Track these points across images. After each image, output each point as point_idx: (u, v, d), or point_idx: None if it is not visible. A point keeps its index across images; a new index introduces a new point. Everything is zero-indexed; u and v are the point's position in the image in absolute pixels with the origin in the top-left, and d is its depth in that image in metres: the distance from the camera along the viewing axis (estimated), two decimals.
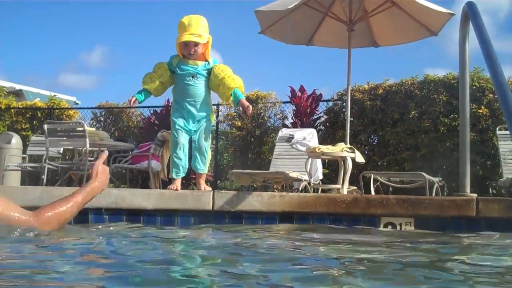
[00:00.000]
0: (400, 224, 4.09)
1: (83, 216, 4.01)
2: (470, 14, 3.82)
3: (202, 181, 5.70)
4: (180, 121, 5.64)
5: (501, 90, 2.92)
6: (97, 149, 9.76)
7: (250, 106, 5.64)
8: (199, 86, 5.66)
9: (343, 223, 4.18)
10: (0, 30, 42.26)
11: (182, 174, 5.66)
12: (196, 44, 5.56)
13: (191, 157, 5.78)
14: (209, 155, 5.75)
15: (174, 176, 5.62)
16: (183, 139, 5.64)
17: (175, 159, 5.64)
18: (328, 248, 3.16)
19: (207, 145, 5.69)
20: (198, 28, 5.57)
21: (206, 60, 5.73)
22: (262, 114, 12.10)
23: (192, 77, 5.64)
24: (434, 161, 10.22)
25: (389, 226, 4.11)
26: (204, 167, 5.68)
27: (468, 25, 4.37)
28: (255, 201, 4.41)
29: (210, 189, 5.53)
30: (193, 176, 8.55)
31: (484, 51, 3.31)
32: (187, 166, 5.70)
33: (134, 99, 5.74)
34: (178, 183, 5.52)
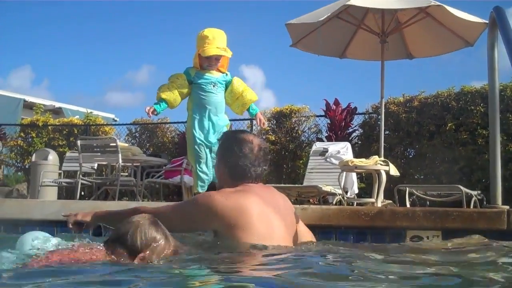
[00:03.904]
0: (427, 237, 3.94)
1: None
2: (497, 20, 3.68)
3: None
4: (201, 135, 5.61)
5: None
6: (131, 164, 9.81)
7: (266, 123, 5.69)
8: (219, 95, 5.67)
9: (367, 236, 4.05)
10: (48, 51, 43.29)
11: (206, 188, 5.64)
12: (218, 57, 5.58)
13: None
14: None
15: (199, 190, 5.60)
16: (205, 152, 5.61)
17: (200, 174, 5.62)
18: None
19: None
20: (223, 41, 5.59)
21: (223, 72, 5.74)
22: (296, 128, 12.00)
23: (213, 85, 5.64)
24: (473, 174, 9.98)
25: (416, 239, 3.97)
26: None
27: (496, 31, 4.21)
28: None
29: None
30: None
31: (511, 56, 3.18)
32: (211, 179, 5.67)
33: (152, 109, 5.69)
34: None
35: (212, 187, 5.69)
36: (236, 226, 3.06)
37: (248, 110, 5.76)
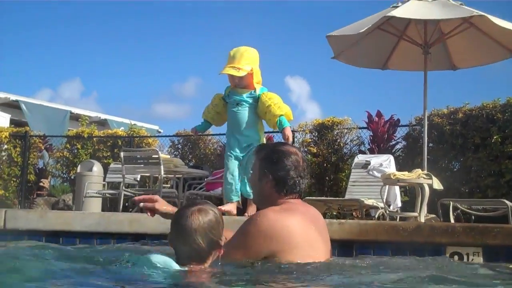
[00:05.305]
0: (467, 254, 3.85)
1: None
2: None
3: (250, 207, 5.66)
4: (231, 147, 5.79)
5: None
6: (173, 176, 9.88)
7: (290, 138, 5.76)
8: (242, 113, 5.79)
9: (406, 252, 3.97)
10: (98, 64, 44.19)
11: (237, 198, 5.73)
12: (240, 76, 5.70)
13: None
14: None
15: (229, 199, 5.73)
16: (233, 164, 5.74)
17: (226, 184, 5.76)
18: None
19: None
20: (240, 60, 5.68)
21: (252, 89, 5.81)
22: (338, 140, 11.91)
23: (237, 104, 5.78)
24: None
25: (456, 256, 3.87)
26: (250, 192, 5.61)
27: None
28: None
29: None
30: None
31: None
32: (239, 190, 5.78)
33: (194, 130, 6.10)
34: (232, 207, 5.59)
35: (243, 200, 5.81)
36: (283, 249, 3.00)
37: (276, 124, 5.80)
